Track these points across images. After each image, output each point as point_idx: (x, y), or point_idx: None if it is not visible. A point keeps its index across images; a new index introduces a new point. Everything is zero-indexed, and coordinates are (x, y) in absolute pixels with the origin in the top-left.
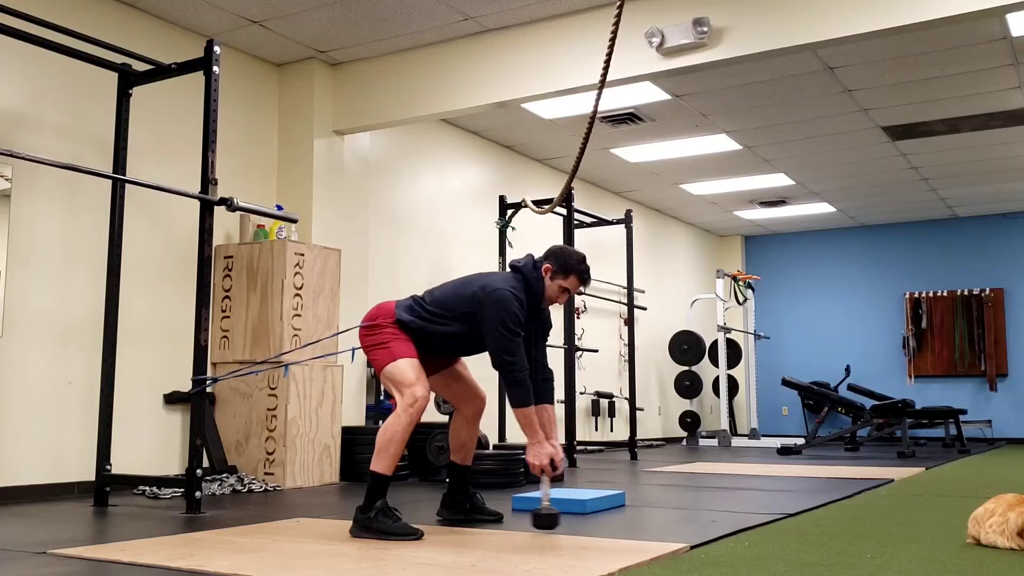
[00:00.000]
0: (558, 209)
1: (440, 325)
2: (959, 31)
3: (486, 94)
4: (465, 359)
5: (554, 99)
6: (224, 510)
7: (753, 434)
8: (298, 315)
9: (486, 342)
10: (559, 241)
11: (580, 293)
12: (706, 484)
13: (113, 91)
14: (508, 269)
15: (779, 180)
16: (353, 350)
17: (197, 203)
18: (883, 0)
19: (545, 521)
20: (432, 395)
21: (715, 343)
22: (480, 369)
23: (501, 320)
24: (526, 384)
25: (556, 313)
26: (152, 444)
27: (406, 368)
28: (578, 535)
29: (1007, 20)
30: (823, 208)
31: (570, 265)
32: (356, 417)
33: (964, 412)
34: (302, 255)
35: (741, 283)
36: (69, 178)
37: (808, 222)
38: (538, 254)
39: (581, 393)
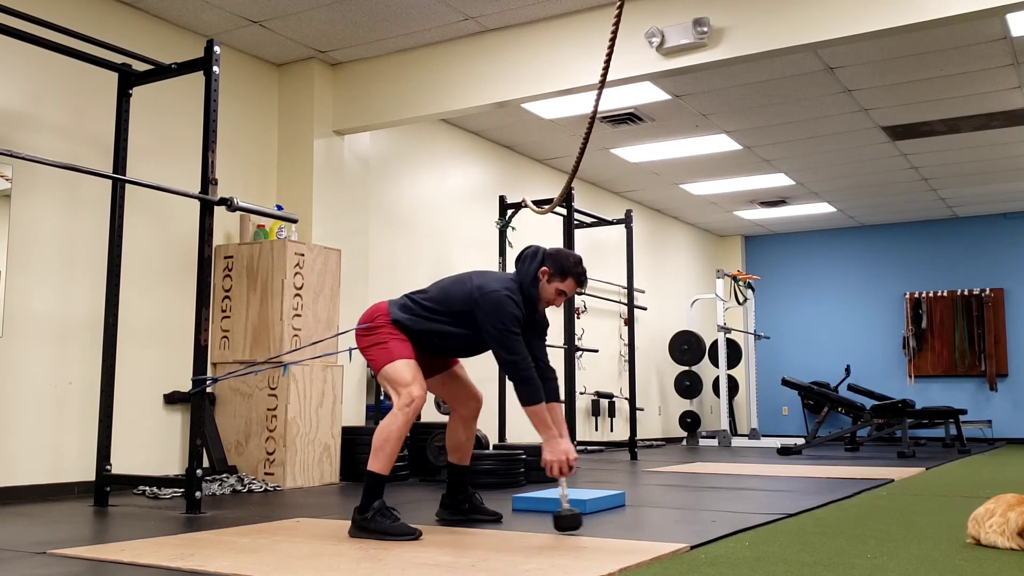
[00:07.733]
0: (558, 209)
1: (435, 323)
2: (959, 31)
3: (486, 94)
4: (464, 360)
5: (554, 99)
6: (224, 510)
7: (753, 434)
8: (298, 315)
9: (488, 343)
10: (559, 242)
11: (579, 294)
12: (706, 484)
13: (113, 91)
14: (516, 262)
15: (779, 180)
16: (351, 350)
17: (197, 203)
18: (883, 0)
19: (568, 522)
20: (432, 395)
21: (715, 343)
22: (480, 369)
23: (500, 321)
24: (534, 380)
25: (556, 313)
26: (152, 444)
27: (403, 368)
28: (578, 535)
29: (1007, 20)
30: (823, 208)
31: (567, 268)
32: (356, 417)
33: (964, 412)
34: (302, 255)
35: (741, 283)
36: (69, 178)
37: (808, 222)
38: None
39: (581, 393)
